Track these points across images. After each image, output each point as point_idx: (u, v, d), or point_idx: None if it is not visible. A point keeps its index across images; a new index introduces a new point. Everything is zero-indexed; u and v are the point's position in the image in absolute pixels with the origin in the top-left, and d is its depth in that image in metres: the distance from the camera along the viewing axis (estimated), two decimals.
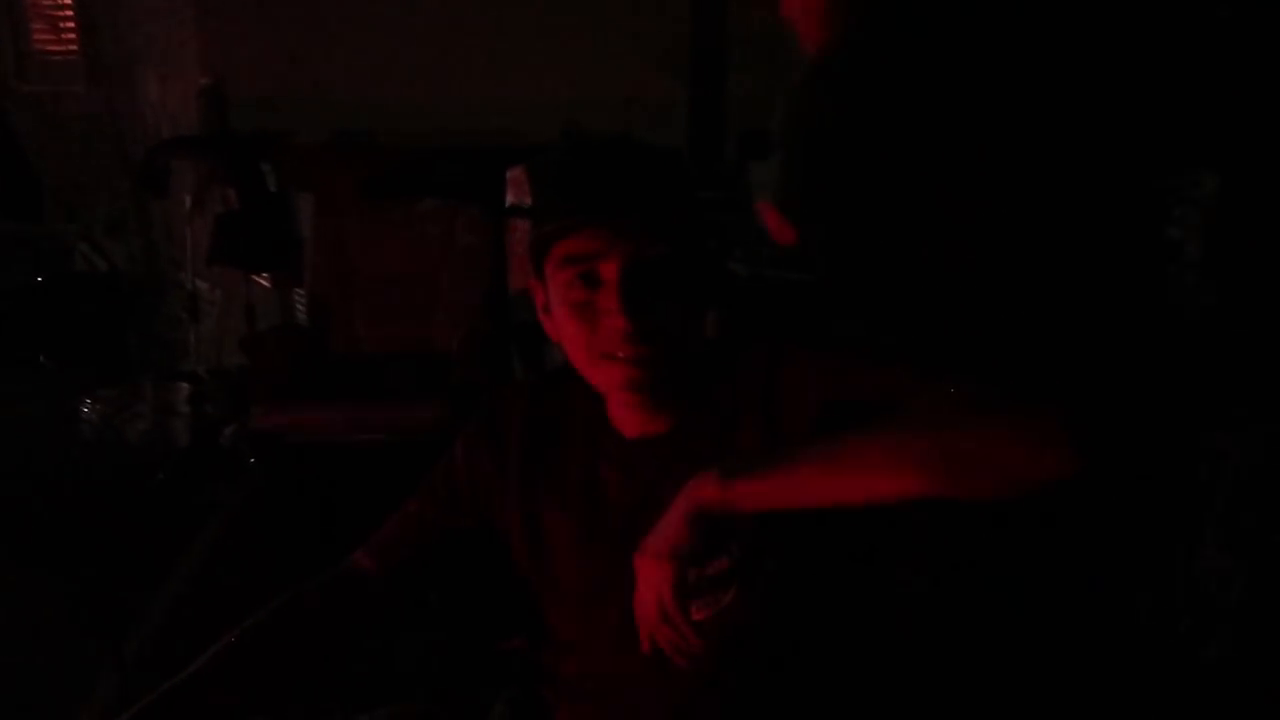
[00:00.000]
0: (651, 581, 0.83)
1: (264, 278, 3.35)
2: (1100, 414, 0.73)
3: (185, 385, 3.26)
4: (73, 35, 4.23)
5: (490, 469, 1.02)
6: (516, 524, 1.01)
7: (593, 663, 0.97)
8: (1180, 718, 1.43)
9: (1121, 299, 1.30)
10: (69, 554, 2.30)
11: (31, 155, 4.04)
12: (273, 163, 3.11)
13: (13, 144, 3.99)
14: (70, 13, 4.21)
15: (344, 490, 2.25)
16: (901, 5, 1.09)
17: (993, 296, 1.18)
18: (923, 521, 0.87)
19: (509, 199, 2.53)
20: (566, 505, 0.98)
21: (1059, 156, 1.22)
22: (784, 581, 0.91)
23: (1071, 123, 1.21)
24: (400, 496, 1.06)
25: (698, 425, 0.93)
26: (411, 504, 1.05)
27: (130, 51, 4.07)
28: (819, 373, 0.89)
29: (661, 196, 0.88)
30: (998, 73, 1.15)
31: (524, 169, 2.42)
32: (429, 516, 1.04)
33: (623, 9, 3.21)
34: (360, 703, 1.10)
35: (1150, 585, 1.52)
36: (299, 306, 3.24)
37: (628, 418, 0.96)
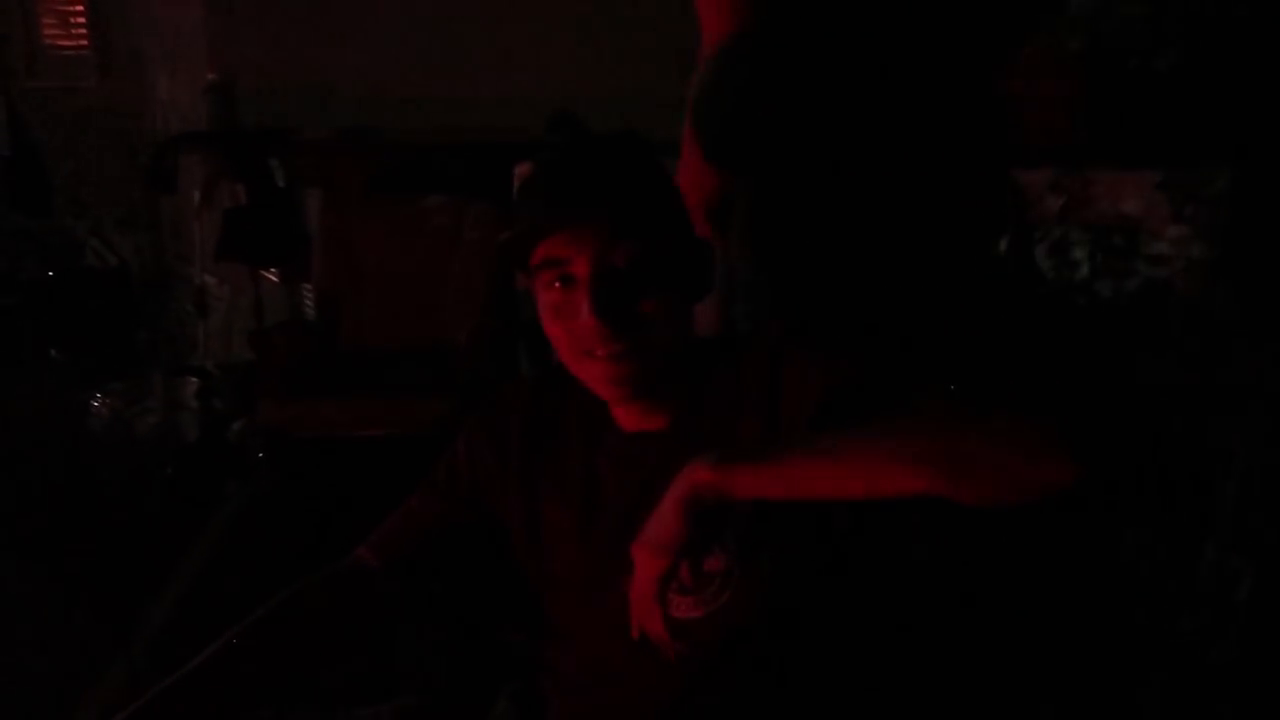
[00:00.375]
0: (642, 570, 0.83)
1: (272, 273, 3.36)
2: (1101, 424, 0.73)
3: (194, 380, 3.27)
4: (83, 30, 4.24)
5: (492, 463, 1.02)
6: (517, 518, 1.01)
7: (590, 656, 0.97)
8: (1186, 718, 1.43)
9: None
10: (78, 547, 2.31)
11: (42, 150, 4.06)
12: (281, 158, 3.12)
13: (24, 139, 4.01)
14: (80, 8, 4.23)
15: (350, 484, 2.26)
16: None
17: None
18: (923, 522, 0.87)
19: (516, 194, 2.53)
20: (566, 500, 0.98)
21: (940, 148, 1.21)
22: (782, 581, 0.91)
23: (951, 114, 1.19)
24: (406, 491, 1.06)
25: (698, 421, 0.94)
26: (414, 499, 1.06)
27: (139, 47, 4.08)
28: (821, 371, 0.89)
29: (628, 194, 0.88)
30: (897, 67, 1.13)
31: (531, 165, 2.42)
32: (431, 511, 1.04)
33: (632, 4, 3.21)
34: (364, 697, 1.10)
35: (1155, 584, 1.51)
36: (307, 302, 3.25)
37: (626, 413, 0.96)
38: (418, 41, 3.30)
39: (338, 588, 1.01)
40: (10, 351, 3.71)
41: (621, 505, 0.93)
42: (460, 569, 1.05)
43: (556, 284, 0.88)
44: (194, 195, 3.29)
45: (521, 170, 2.52)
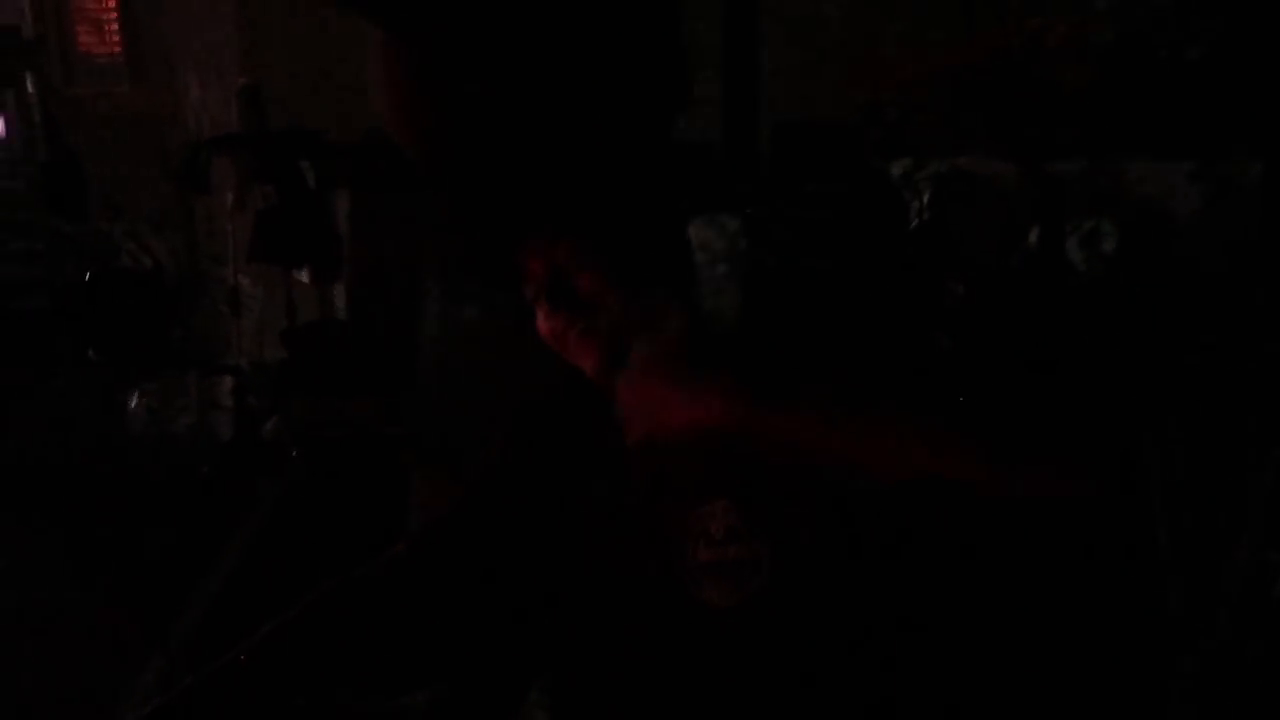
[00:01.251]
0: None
1: (303, 273, 3.40)
2: (1127, 417, 0.73)
3: (228, 379, 3.32)
4: (116, 38, 4.32)
5: (525, 459, 1.04)
6: (545, 512, 1.02)
7: (617, 649, 0.98)
8: (1220, 716, 1.41)
9: None
10: (115, 544, 2.36)
11: (78, 156, 4.14)
12: (310, 160, 3.15)
13: (61, 145, 4.09)
14: (115, 16, 4.30)
15: (382, 481, 2.28)
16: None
17: None
18: (951, 512, 0.87)
19: None
20: (590, 494, 0.99)
21: None
22: (812, 570, 0.91)
23: None
24: None
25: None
26: (450, 495, 1.07)
27: (172, 53, 4.14)
28: (847, 369, 0.90)
29: (560, 205, 0.89)
30: None
31: None
32: (466, 505, 1.06)
33: None
34: (401, 686, 1.11)
35: (1188, 579, 1.50)
36: (338, 301, 3.29)
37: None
38: None
39: (374, 581, 1.03)
40: (49, 353, 3.78)
41: (642, 498, 0.94)
42: (494, 563, 1.06)
43: (540, 290, 0.90)
44: (227, 197, 3.33)
45: None
